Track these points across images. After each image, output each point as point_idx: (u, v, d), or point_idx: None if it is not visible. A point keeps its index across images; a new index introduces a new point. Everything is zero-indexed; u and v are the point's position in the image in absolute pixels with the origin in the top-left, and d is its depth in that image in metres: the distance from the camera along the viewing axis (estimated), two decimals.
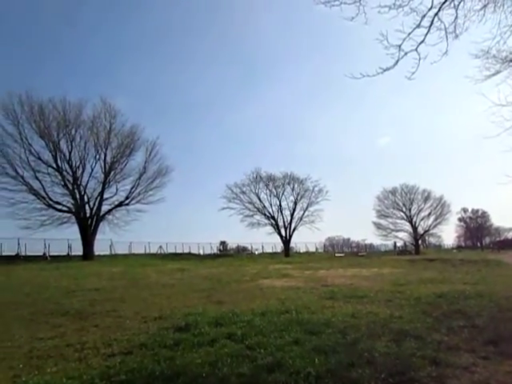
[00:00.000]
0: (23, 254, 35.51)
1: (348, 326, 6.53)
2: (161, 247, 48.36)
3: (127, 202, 41.15)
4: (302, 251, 63.82)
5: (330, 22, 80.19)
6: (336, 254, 54.78)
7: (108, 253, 41.45)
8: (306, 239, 64.85)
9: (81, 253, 37.17)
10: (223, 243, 59.59)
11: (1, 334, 6.60)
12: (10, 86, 59.83)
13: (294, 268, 23.89)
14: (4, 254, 34.46)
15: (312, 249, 66.82)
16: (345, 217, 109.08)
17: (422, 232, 69.14)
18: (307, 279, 16.20)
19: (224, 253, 55.97)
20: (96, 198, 39.62)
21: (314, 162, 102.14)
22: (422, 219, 67.88)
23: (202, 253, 52.02)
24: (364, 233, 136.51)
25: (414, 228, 67.35)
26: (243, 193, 56.61)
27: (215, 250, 56.49)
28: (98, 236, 39.18)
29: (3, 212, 35.49)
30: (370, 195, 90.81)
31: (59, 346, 5.72)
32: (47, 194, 37.37)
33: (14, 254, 34.78)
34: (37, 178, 36.97)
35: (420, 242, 70.73)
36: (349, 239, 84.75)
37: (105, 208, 40.13)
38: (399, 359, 4.69)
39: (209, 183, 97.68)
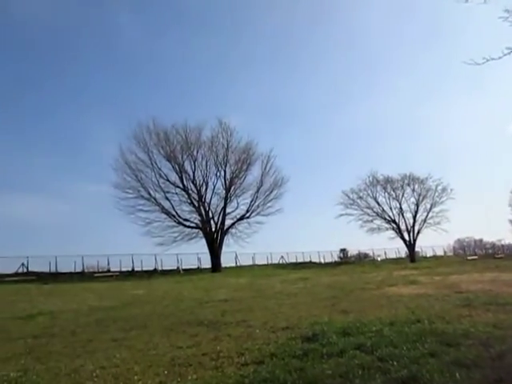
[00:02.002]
0: (160, 268, 39.24)
1: (491, 337, 5.88)
2: (282, 257, 49.40)
3: (248, 215, 43.20)
4: (428, 255, 59.79)
5: (442, 6, 74.78)
6: (468, 257, 50.10)
7: (233, 264, 43.66)
8: (432, 242, 60.82)
9: (209, 265, 39.79)
10: (343, 250, 58.42)
11: (146, 343, 7.23)
12: (137, 115, 67.39)
13: (421, 274, 22.40)
14: (144, 268, 38.33)
15: (440, 252, 62.21)
16: (475, 216, 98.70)
17: None
18: (438, 285, 15.06)
19: (345, 260, 54.88)
20: (219, 213, 42.33)
21: (435, 160, 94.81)
22: None
23: (322, 261, 51.78)
24: (499, 232, 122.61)
25: None
26: (360, 198, 55.19)
27: (335, 258, 55.70)
28: (224, 249, 41.64)
29: (141, 231, 40.02)
30: (504, 190, 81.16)
31: (197, 355, 6.06)
32: (176, 213, 41.06)
33: (152, 268, 38.63)
34: (167, 198, 41.00)
35: None
36: (481, 240, 76.56)
37: (228, 222, 42.75)
38: None
39: (324, 190, 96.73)
